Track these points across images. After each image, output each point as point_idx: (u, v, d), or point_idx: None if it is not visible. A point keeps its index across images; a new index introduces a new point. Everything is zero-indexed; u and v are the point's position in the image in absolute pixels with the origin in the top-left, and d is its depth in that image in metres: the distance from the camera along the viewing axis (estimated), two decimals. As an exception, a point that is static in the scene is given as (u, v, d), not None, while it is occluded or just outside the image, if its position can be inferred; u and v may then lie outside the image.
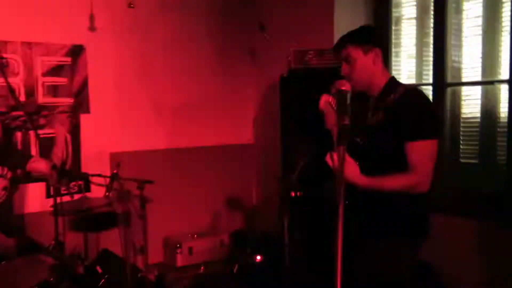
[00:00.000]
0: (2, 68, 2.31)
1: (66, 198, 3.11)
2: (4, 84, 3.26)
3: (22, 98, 3.51)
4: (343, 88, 1.42)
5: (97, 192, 3.79)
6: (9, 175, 3.21)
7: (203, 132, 4.47)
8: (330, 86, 1.55)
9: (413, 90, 2.09)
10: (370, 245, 2.01)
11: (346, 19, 3.66)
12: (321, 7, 3.79)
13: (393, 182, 1.91)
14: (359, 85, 2.03)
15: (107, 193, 3.03)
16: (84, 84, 3.85)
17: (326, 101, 2.03)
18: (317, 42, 3.47)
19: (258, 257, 3.46)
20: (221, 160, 4.58)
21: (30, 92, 3.61)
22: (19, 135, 3.59)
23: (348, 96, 1.38)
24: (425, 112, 1.97)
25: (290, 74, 3.28)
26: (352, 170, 1.84)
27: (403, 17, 3.69)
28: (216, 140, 4.55)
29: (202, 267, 3.31)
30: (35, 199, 3.66)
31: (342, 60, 2.08)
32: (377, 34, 2.20)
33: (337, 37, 3.57)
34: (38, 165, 3.26)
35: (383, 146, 1.94)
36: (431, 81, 3.41)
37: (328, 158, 1.80)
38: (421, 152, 1.89)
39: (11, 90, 2.31)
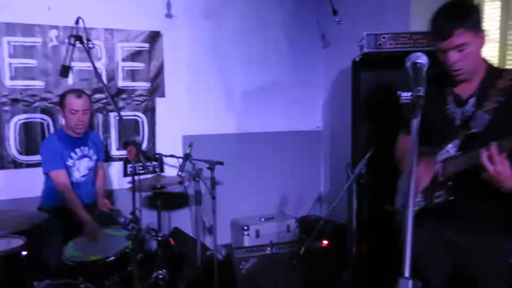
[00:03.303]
0: (89, 52, 2.44)
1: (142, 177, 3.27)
2: (89, 67, 3.52)
3: (104, 82, 3.73)
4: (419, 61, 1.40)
5: (170, 172, 3.98)
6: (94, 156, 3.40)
7: (272, 118, 4.52)
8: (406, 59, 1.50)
9: None
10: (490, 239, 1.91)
11: (423, 1, 3.52)
12: (396, -11, 3.67)
13: None
14: (466, 74, 1.87)
15: (179, 173, 3.16)
16: (160, 69, 4.02)
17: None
18: (391, 26, 3.37)
19: (325, 242, 3.46)
20: (289, 146, 4.61)
21: (111, 76, 3.82)
22: (100, 116, 3.82)
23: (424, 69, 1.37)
24: None
25: (363, 58, 3.21)
26: (508, 174, 1.67)
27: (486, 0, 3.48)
28: (285, 126, 4.58)
29: (268, 247, 3.35)
30: (113, 177, 3.90)
31: (450, 47, 1.81)
32: (480, 14, 1.88)
33: (413, 20, 3.53)
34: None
35: (502, 135, 1.73)
36: (515, 66, 3.21)
37: (485, 159, 1.67)
38: None
39: (97, 73, 2.44)
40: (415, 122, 1.22)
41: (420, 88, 1.24)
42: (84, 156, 3.31)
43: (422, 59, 1.41)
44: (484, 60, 1.93)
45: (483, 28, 1.84)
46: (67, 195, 3.09)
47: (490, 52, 3.45)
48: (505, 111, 1.79)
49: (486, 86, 1.86)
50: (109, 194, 3.84)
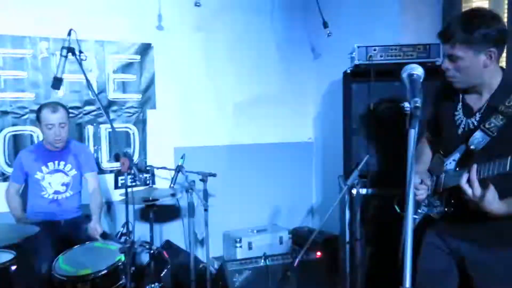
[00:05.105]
0: (81, 63, 2.43)
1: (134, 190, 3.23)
2: (79, 79, 3.51)
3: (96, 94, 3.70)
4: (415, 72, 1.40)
5: (162, 185, 3.95)
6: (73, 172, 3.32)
7: (264, 129, 4.52)
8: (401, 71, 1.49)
9: None
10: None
11: (412, 14, 3.57)
12: (385, 2, 3.72)
13: None
14: (462, 84, 1.81)
15: (171, 185, 3.14)
16: (151, 81, 4.01)
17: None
18: (381, 38, 3.41)
19: (318, 253, 3.45)
20: (281, 158, 4.61)
21: (102, 88, 3.80)
22: (90, 129, 3.79)
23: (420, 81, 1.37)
24: None
25: (354, 70, 3.24)
26: (493, 198, 1.61)
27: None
28: (277, 138, 4.59)
29: (262, 260, 3.34)
30: (104, 190, 3.85)
31: (445, 53, 1.77)
32: (499, 29, 1.69)
33: (402, 33, 3.57)
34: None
35: (500, 157, 1.61)
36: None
37: (464, 183, 1.63)
38: None
39: (90, 85, 2.42)
40: (412, 133, 1.22)
41: (417, 99, 1.24)
42: (57, 171, 3.24)
43: (418, 70, 1.42)
44: (500, 72, 1.81)
45: (493, 47, 1.70)
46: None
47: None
48: (509, 131, 1.70)
49: (496, 101, 1.76)
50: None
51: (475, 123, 1.81)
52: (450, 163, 1.88)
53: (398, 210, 2.13)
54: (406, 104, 1.23)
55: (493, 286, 1.83)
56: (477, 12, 1.78)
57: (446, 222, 1.92)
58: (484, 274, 1.85)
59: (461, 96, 1.90)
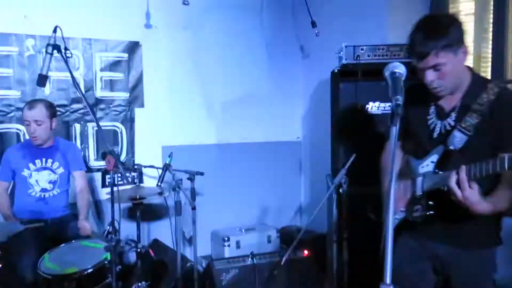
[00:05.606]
0: (66, 61, 2.40)
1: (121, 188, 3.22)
2: (66, 77, 3.47)
3: (82, 92, 3.68)
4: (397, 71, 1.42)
5: (149, 183, 3.94)
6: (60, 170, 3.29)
7: (252, 128, 4.52)
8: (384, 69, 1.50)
9: (509, 91, 1.76)
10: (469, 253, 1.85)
11: (400, 14, 3.60)
12: (374, 2, 3.74)
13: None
14: (446, 91, 1.81)
15: (159, 183, 3.13)
16: (139, 79, 3.99)
17: None
18: (369, 38, 3.43)
19: (306, 252, 3.46)
20: (269, 157, 4.60)
21: (89, 86, 3.78)
22: (77, 127, 3.77)
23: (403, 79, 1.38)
24: None
25: (342, 69, 3.25)
26: (481, 198, 1.63)
27: (461, 13, 3.57)
28: (265, 137, 4.59)
29: (249, 258, 3.34)
30: (91, 188, 3.83)
31: (426, 67, 1.75)
32: (463, 27, 1.76)
33: (390, 32, 3.60)
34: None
35: (478, 155, 1.66)
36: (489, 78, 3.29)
37: (453, 184, 1.64)
38: None
39: (75, 83, 2.40)
40: (394, 131, 1.23)
41: (398, 97, 1.26)
42: (44, 168, 3.22)
43: (400, 68, 1.44)
44: (469, 71, 1.85)
45: (463, 43, 1.75)
46: None
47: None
48: (484, 128, 1.72)
49: (469, 99, 1.79)
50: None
51: (452, 123, 1.82)
52: (428, 165, 1.87)
53: (374, 218, 2.13)
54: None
55: (471, 286, 1.85)
56: (438, 16, 1.87)
57: (422, 225, 1.91)
58: (462, 274, 1.87)
59: (433, 100, 1.90)
